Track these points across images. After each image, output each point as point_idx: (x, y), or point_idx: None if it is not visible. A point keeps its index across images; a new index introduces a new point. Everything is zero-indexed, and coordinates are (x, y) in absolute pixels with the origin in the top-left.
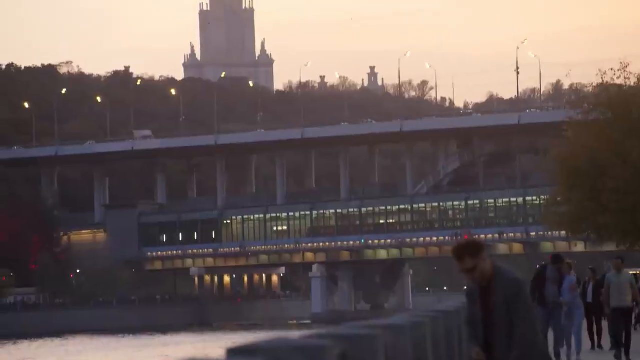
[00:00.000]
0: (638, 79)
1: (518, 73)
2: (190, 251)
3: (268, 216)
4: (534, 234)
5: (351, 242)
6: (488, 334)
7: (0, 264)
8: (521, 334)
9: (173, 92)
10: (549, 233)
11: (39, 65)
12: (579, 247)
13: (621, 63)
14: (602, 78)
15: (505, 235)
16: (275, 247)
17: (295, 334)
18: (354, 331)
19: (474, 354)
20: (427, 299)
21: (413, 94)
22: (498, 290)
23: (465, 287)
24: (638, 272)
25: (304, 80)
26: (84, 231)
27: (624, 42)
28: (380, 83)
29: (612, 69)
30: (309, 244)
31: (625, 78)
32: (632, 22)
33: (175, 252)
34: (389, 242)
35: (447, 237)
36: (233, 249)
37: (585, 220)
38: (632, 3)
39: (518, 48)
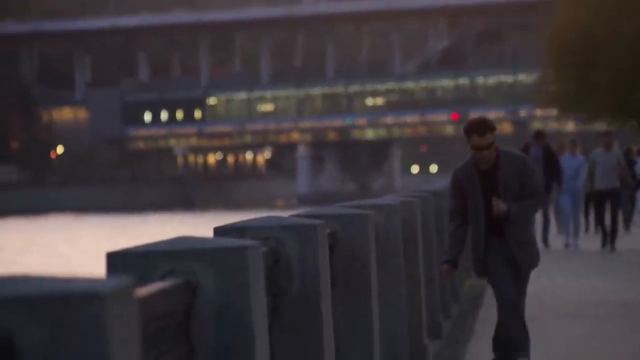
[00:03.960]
0: None
1: None
2: (173, 131)
3: (253, 96)
4: (523, 113)
5: (338, 122)
6: (491, 218)
7: None
8: (536, 192)
9: None
10: (539, 112)
11: None
12: (569, 126)
13: None
14: None
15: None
16: (260, 127)
17: (281, 214)
18: (344, 211)
19: (444, 270)
20: (414, 179)
21: None
22: (507, 169)
23: (455, 173)
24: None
25: None
26: (65, 108)
27: None
28: None
29: None
30: (295, 124)
31: None
32: None
33: (158, 131)
34: (376, 122)
35: (435, 117)
36: (217, 128)
37: (576, 98)
38: None
39: None
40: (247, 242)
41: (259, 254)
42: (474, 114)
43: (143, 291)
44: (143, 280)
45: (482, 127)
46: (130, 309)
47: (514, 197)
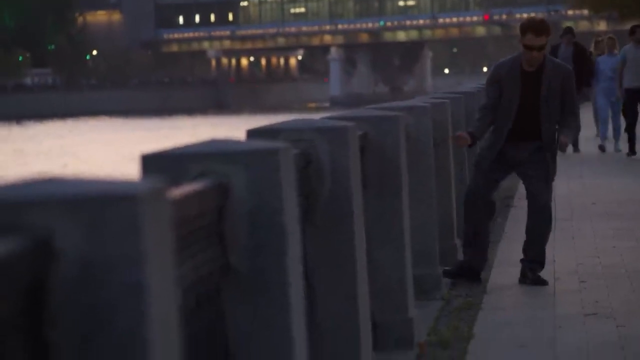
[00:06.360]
0: None
1: None
2: (207, 33)
3: None
4: (554, 13)
5: (370, 24)
6: (524, 121)
7: (16, 43)
8: (576, 110)
9: None
10: (571, 12)
11: None
12: (601, 26)
13: None
14: None
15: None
16: (293, 29)
17: (313, 116)
18: (375, 113)
19: (460, 134)
20: (446, 81)
21: None
22: (553, 76)
23: (497, 67)
24: None
25: None
26: (99, 12)
27: None
28: None
29: None
30: (327, 27)
31: None
32: None
33: (192, 34)
34: (408, 23)
35: (466, 18)
36: (250, 31)
37: None
38: None
39: None
40: (279, 144)
41: (291, 155)
42: (505, 15)
43: (176, 192)
44: (176, 182)
45: (540, 27)
46: (164, 210)
47: (554, 105)
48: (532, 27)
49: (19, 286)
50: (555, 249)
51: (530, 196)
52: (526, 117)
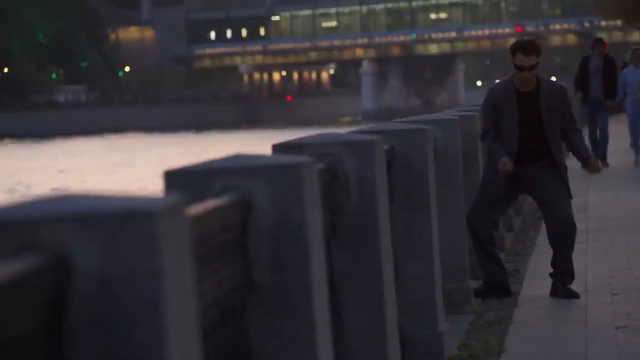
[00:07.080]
0: None
1: None
2: (239, 48)
3: (317, 12)
4: (588, 24)
5: (402, 37)
6: (531, 141)
7: (49, 60)
8: (575, 124)
9: None
10: (604, 23)
11: None
12: (635, 36)
13: None
14: None
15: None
16: (325, 43)
17: (343, 131)
18: (402, 126)
19: (505, 163)
20: (479, 93)
21: None
22: (549, 95)
23: (492, 91)
24: None
25: None
26: (131, 28)
27: None
28: None
29: None
30: (359, 40)
31: None
32: None
33: (223, 49)
34: (440, 36)
35: (499, 30)
36: (282, 46)
37: None
38: None
39: None
40: (302, 158)
41: (314, 170)
42: (536, 27)
43: (198, 208)
44: (199, 198)
45: (529, 47)
46: (183, 225)
47: (556, 123)
48: (521, 47)
49: (38, 303)
50: (587, 261)
51: (550, 212)
52: (531, 137)
